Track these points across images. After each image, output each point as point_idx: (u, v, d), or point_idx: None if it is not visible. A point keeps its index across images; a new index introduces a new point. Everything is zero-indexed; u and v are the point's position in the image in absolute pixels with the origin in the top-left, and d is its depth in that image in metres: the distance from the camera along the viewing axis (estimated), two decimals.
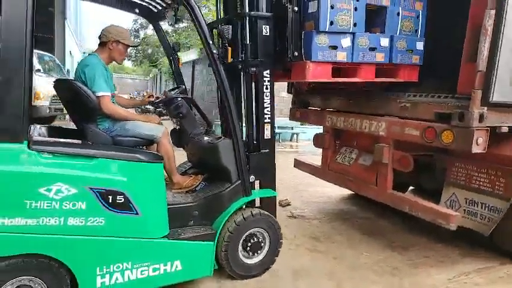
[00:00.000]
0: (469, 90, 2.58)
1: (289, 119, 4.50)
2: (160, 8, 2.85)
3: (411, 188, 4.51)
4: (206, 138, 2.76)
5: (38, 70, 8.32)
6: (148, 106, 2.98)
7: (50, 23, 11.99)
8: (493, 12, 2.43)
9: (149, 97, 2.97)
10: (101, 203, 1.94)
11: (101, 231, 1.96)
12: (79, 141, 2.22)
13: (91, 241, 1.95)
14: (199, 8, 2.40)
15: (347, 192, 4.67)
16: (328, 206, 4.44)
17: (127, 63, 43.59)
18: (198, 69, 16.85)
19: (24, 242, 1.82)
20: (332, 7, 2.59)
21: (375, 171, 3.35)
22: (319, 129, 4.31)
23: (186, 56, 16.21)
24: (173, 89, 2.99)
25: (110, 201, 1.96)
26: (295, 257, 3.00)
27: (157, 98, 2.92)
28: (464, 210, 3.07)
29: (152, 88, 28.91)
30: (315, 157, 4.73)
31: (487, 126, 2.59)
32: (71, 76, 11.50)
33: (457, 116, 2.61)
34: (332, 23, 2.62)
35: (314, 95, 4.00)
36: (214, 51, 2.43)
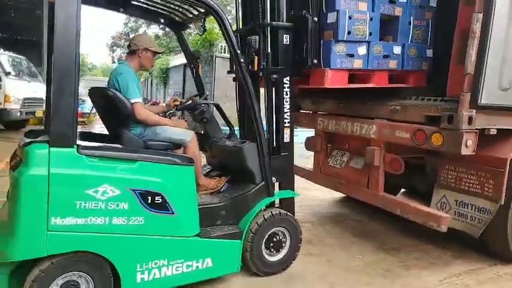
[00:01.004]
0: (457, 93, 2.61)
1: None
2: (185, 18, 2.99)
3: (403, 190, 4.54)
4: (229, 142, 2.89)
5: (9, 73, 8.16)
6: (173, 111, 3.09)
7: (38, 26, 11.83)
8: (480, 15, 2.47)
9: (174, 101, 3.07)
10: (141, 203, 2.07)
11: (141, 230, 2.09)
12: (120, 146, 2.36)
13: (132, 239, 2.08)
14: (227, 18, 2.51)
15: (339, 195, 4.68)
16: (320, 209, 4.44)
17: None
18: (189, 73, 16.80)
19: (75, 240, 1.93)
20: (349, 18, 2.77)
21: (366, 174, 3.37)
22: (310, 133, 4.31)
23: (177, 60, 16.15)
24: (196, 95, 3.14)
25: (149, 201, 2.09)
26: None
27: (181, 102, 3.05)
28: (455, 212, 3.09)
29: (144, 92, 28.69)
30: (307, 160, 4.74)
31: (476, 129, 2.62)
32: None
33: (446, 118, 2.64)
34: (349, 32, 2.79)
35: (305, 98, 4.01)
36: (242, 60, 2.54)
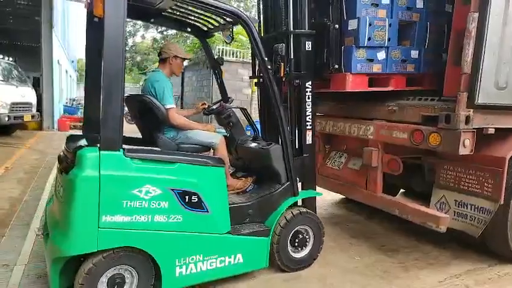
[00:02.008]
0: (454, 92, 2.60)
1: None
2: (212, 27, 3.15)
3: (402, 190, 4.53)
4: (254, 144, 3.04)
5: None
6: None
7: (37, 32, 11.85)
8: (476, 15, 2.47)
9: (202, 105, 3.25)
10: (180, 202, 2.22)
11: (180, 227, 2.24)
12: (159, 149, 2.51)
13: (172, 236, 2.23)
14: (255, 26, 2.66)
15: (337, 196, 4.66)
16: (319, 210, 4.34)
17: None
18: (187, 76, 16.81)
19: (122, 237, 2.08)
20: (370, 24, 2.93)
21: (364, 175, 3.36)
22: None
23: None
24: (221, 100, 3.32)
25: (187, 200, 2.24)
26: None
27: (209, 106, 3.22)
28: (454, 212, 3.07)
29: None
30: None
31: (474, 128, 2.61)
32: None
33: (444, 118, 2.63)
34: (369, 38, 2.95)
35: None
36: (269, 67, 2.67)
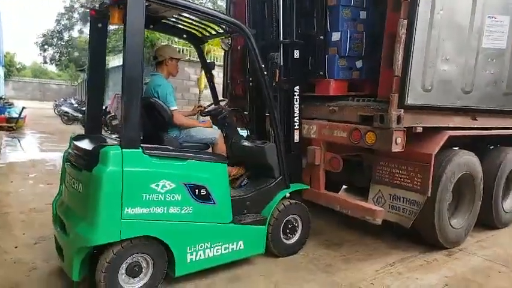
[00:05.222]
0: (388, 94, 2.79)
1: None
2: (208, 35, 3.40)
3: (345, 187, 4.75)
4: (248, 142, 3.31)
5: None
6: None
7: None
8: (405, 21, 2.67)
9: (198, 107, 3.56)
10: (191, 195, 2.45)
11: (191, 218, 2.47)
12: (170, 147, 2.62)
13: (184, 225, 2.45)
14: (253, 35, 2.87)
15: None
16: None
17: (51, 67, 40.17)
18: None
19: (141, 227, 2.28)
20: (350, 37, 3.31)
21: (308, 173, 3.47)
22: None
23: (118, 60, 15.35)
24: (218, 102, 3.62)
25: (197, 193, 2.48)
26: None
27: (204, 108, 3.53)
28: (389, 205, 3.29)
29: (80, 95, 26.90)
30: None
31: (404, 127, 2.82)
32: None
33: (378, 118, 2.80)
34: (350, 49, 3.32)
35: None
36: (265, 73, 2.93)
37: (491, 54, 3.13)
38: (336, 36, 3.33)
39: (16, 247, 3.03)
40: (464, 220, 3.57)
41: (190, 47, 13.88)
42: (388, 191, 3.30)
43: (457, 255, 3.35)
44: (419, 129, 2.96)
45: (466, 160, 3.43)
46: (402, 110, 2.77)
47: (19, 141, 9.30)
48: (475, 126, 3.35)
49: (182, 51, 13.47)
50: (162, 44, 12.64)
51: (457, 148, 3.49)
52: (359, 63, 3.45)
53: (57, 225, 2.60)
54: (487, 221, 3.96)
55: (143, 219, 2.28)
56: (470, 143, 3.64)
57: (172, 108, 2.90)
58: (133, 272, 2.31)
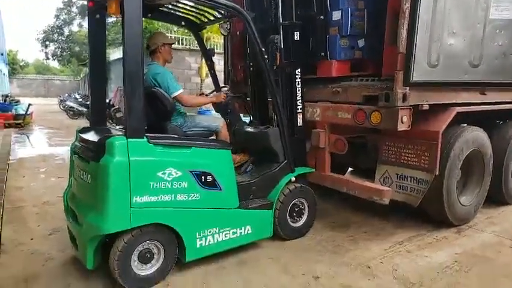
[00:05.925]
0: (392, 72, 2.73)
1: None
2: (206, 21, 3.34)
3: (351, 169, 4.73)
4: (251, 128, 3.32)
5: None
6: None
7: None
8: None
9: (200, 94, 3.60)
10: (197, 182, 2.48)
11: (198, 204, 2.50)
12: (174, 135, 2.67)
13: (192, 212, 2.48)
14: (252, 19, 2.81)
15: None
16: None
17: (53, 63, 40.23)
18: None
19: (150, 214, 2.32)
20: (351, 15, 3.22)
21: (313, 156, 3.45)
22: None
23: (119, 53, 15.26)
24: (219, 89, 3.54)
25: (203, 180, 2.51)
26: None
27: (207, 95, 3.51)
28: (396, 185, 3.26)
29: (84, 89, 26.92)
30: None
31: (410, 105, 2.77)
32: None
33: (383, 97, 2.75)
34: (351, 27, 3.23)
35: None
36: (266, 56, 2.89)
37: (500, 26, 3.04)
38: (336, 15, 3.25)
39: (32, 239, 3.09)
40: (473, 197, 3.54)
41: (189, 35, 13.79)
42: (395, 170, 3.27)
43: (466, 232, 3.33)
44: (426, 107, 2.91)
45: (475, 136, 3.38)
46: (408, 88, 2.72)
47: (28, 137, 9.39)
48: (484, 101, 3.28)
49: (182, 40, 13.38)
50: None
51: (465, 125, 3.43)
52: (361, 42, 3.37)
53: (69, 216, 2.65)
54: (497, 197, 3.93)
55: (152, 207, 2.31)
56: (478, 119, 3.58)
57: (179, 91, 2.87)
58: (145, 258, 2.36)
